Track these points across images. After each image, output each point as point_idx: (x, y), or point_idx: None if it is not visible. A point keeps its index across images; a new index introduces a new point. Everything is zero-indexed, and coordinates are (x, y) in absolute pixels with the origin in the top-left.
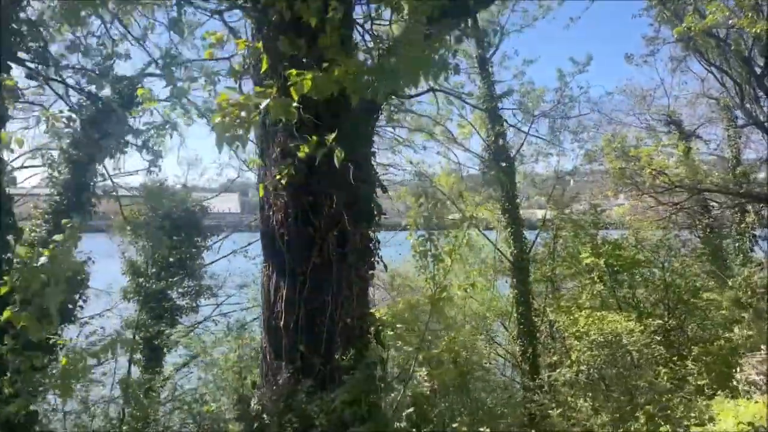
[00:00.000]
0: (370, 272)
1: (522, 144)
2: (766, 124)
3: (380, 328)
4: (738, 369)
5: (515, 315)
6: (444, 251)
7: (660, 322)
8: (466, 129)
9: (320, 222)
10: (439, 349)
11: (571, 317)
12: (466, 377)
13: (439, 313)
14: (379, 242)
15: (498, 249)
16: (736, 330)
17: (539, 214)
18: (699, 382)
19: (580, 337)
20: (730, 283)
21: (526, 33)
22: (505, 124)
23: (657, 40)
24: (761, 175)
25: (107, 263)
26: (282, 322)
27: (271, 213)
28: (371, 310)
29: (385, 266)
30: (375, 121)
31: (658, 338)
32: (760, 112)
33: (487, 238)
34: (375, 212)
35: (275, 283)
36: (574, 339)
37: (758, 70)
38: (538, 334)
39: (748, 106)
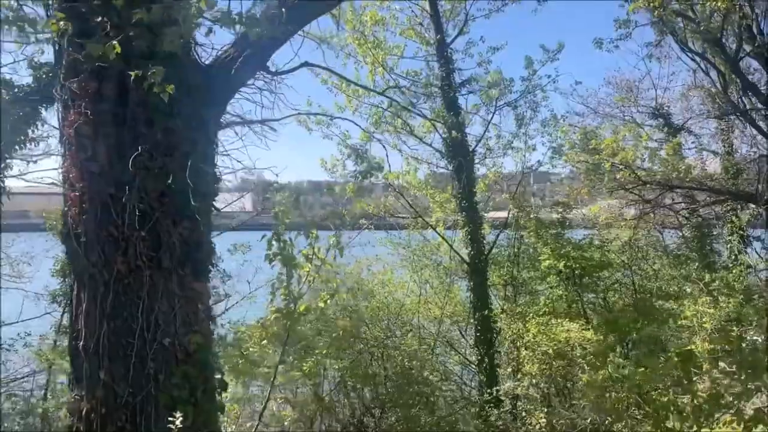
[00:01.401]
0: (204, 283)
1: (482, 136)
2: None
3: (215, 351)
4: None
5: (472, 321)
6: (302, 254)
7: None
8: (427, 123)
9: (124, 219)
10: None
11: (523, 325)
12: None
13: (294, 332)
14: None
15: (454, 249)
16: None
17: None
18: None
19: (530, 347)
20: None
21: (500, 20)
22: (462, 113)
23: (629, 23)
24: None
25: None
26: (82, 343)
27: (66, 208)
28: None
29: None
30: (217, 98)
31: (618, 349)
32: (747, 101)
33: (443, 238)
34: (205, 207)
35: (77, 295)
36: (524, 349)
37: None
38: (497, 342)
39: (732, 94)
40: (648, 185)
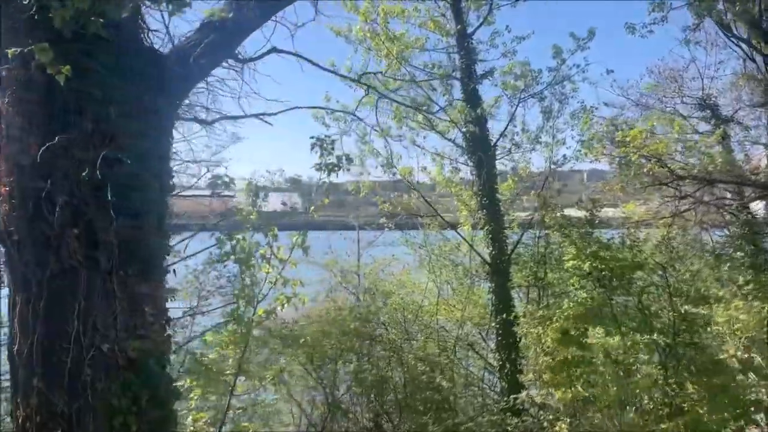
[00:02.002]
0: (155, 284)
1: (504, 130)
2: None
3: (161, 357)
4: None
5: (493, 324)
6: (260, 254)
7: (649, 338)
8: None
9: (55, 216)
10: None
11: (543, 329)
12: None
13: (246, 339)
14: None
15: (474, 249)
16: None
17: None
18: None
19: (550, 353)
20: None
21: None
22: (482, 106)
23: (663, 5)
24: None
25: None
26: (16, 347)
27: None
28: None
29: (174, 273)
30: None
31: (644, 357)
32: None
33: (463, 238)
34: (155, 203)
35: (13, 297)
36: (544, 355)
37: None
38: (520, 347)
39: None
40: (685, 180)
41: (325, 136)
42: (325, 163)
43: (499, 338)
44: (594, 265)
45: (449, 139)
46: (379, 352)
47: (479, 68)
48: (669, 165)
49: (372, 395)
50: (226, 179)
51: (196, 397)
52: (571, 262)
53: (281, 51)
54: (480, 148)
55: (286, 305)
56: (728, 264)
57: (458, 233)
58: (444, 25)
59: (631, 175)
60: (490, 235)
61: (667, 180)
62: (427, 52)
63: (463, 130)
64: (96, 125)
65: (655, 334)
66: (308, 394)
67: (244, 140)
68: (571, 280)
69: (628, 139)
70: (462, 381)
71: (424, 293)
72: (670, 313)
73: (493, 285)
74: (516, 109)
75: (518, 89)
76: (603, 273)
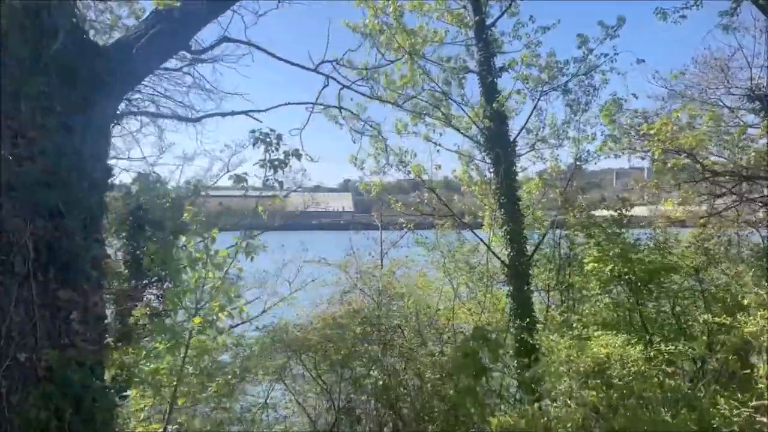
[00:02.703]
0: (82, 290)
1: (524, 125)
2: None
3: (93, 367)
4: None
5: (511, 330)
6: (197, 257)
7: (674, 347)
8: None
9: None
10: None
11: (561, 336)
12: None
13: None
14: (99, 244)
15: (491, 250)
16: None
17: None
18: None
19: (564, 363)
20: None
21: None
22: (499, 99)
23: None
24: None
25: None
26: None
27: None
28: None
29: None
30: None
31: (669, 369)
32: None
33: (479, 239)
34: (81, 203)
35: None
36: (559, 364)
37: None
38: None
39: None
40: (720, 176)
41: (270, 130)
42: (270, 159)
43: (518, 344)
44: (616, 268)
45: (467, 135)
46: (388, 358)
47: (500, 61)
48: (702, 160)
49: (380, 402)
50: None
51: (146, 407)
52: (591, 264)
53: (233, 40)
54: (498, 144)
55: (223, 315)
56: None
57: (474, 233)
58: (463, 17)
59: (662, 171)
60: (509, 236)
61: (701, 176)
62: (443, 45)
63: (480, 126)
64: (4, 120)
65: (681, 344)
66: (316, 401)
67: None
68: (592, 284)
69: (652, 131)
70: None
71: (439, 296)
72: (702, 321)
73: (511, 288)
74: (537, 102)
75: (540, 82)
76: (628, 276)
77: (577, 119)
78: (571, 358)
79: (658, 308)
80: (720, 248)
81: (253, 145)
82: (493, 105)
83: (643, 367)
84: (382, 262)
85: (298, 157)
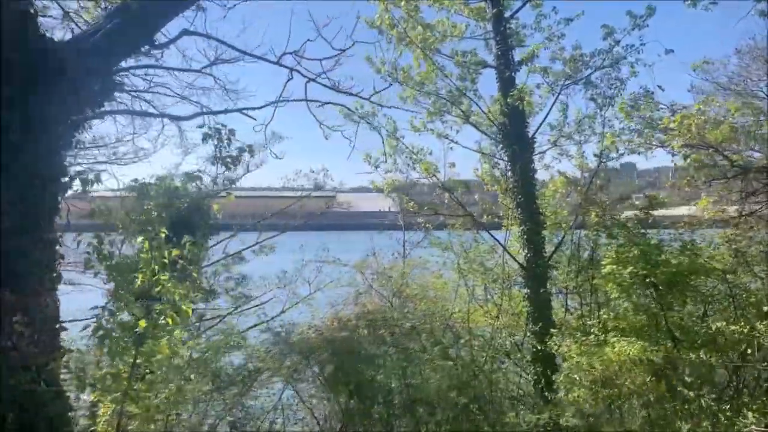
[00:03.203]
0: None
1: (543, 121)
2: None
3: (38, 370)
4: None
5: (528, 335)
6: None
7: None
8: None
9: None
10: None
11: (574, 342)
12: None
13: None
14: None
15: (507, 251)
16: None
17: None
18: None
19: (577, 370)
20: None
21: None
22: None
23: None
24: None
25: None
26: None
27: None
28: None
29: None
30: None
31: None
32: None
33: (495, 239)
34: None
35: None
36: (570, 372)
37: None
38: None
39: None
40: (750, 173)
41: (221, 125)
42: (221, 155)
43: (535, 349)
44: (634, 271)
45: (485, 132)
46: (395, 361)
47: (520, 55)
48: (730, 156)
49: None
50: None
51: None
52: (609, 267)
53: (193, 33)
54: (515, 140)
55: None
56: None
57: (490, 234)
58: (481, 11)
59: (686, 168)
60: (525, 236)
61: (732, 173)
62: (461, 39)
63: (497, 122)
64: None
65: (702, 351)
66: (323, 404)
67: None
68: (609, 286)
69: (672, 125)
70: (490, 396)
71: (454, 298)
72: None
73: (528, 291)
74: (558, 96)
75: (563, 75)
76: (649, 279)
77: (602, 114)
78: (582, 365)
79: (685, 313)
80: (752, 249)
81: (203, 141)
82: (508, 99)
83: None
84: (404, 262)
85: (251, 153)
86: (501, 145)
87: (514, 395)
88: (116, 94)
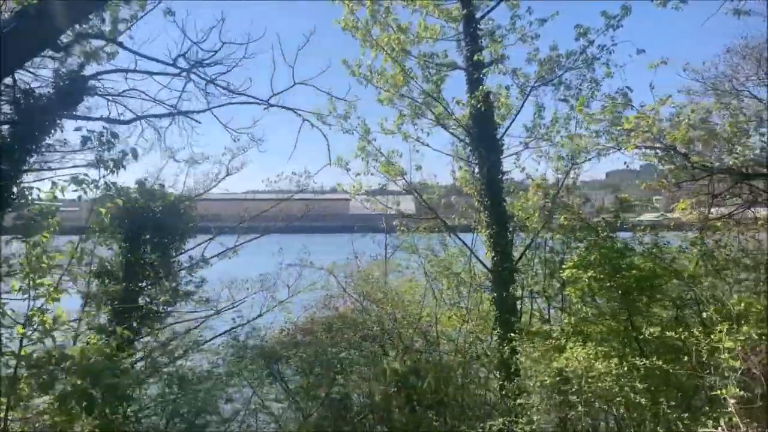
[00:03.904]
0: None
1: (511, 122)
2: None
3: None
4: None
5: (495, 340)
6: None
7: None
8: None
9: None
10: None
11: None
12: None
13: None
14: None
15: (474, 255)
16: None
17: None
18: None
19: (531, 377)
20: None
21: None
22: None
23: None
24: None
25: None
26: None
27: None
28: None
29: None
30: None
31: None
32: None
33: (462, 241)
34: None
35: None
36: (527, 378)
37: None
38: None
39: None
40: (714, 174)
41: (104, 128)
42: (103, 159)
43: (499, 354)
44: (593, 275)
45: (455, 134)
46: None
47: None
48: (691, 157)
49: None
50: None
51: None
52: (569, 270)
53: (91, 36)
54: (483, 142)
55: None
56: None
57: (458, 237)
58: (450, 12)
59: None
60: (492, 239)
61: (695, 175)
62: (429, 41)
63: (464, 124)
64: None
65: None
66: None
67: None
68: (568, 290)
69: (627, 126)
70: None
71: (422, 302)
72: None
73: (494, 296)
74: (526, 98)
75: (537, 77)
76: (611, 284)
77: (576, 116)
78: (537, 371)
79: (656, 319)
80: (720, 253)
81: (83, 144)
82: (471, 101)
83: (610, 383)
84: (377, 266)
85: (135, 156)
86: (470, 148)
87: (483, 401)
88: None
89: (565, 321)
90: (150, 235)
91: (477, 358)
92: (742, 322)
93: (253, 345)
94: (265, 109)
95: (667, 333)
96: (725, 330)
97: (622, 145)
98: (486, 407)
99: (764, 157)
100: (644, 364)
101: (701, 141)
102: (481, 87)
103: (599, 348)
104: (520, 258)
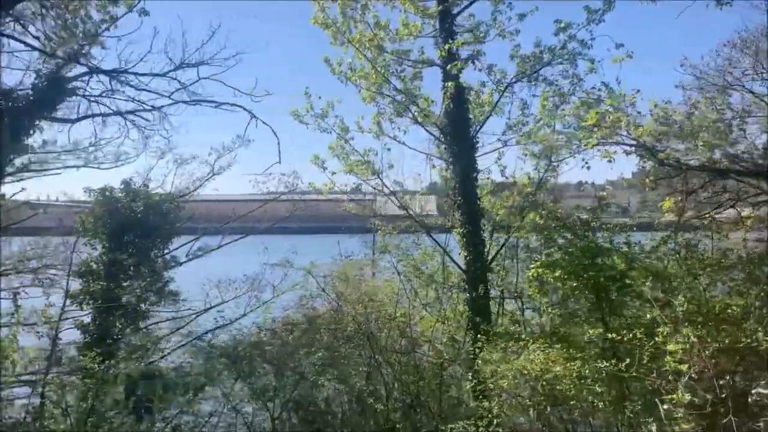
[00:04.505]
0: None
1: (486, 119)
2: None
3: None
4: None
5: (468, 343)
6: None
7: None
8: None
9: None
10: None
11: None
12: None
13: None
14: None
15: (448, 254)
16: None
17: None
18: None
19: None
20: None
21: None
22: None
23: None
24: None
25: None
26: None
27: None
28: None
29: None
30: None
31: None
32: None
33: (436, 241)
34: None
35: None
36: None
37: None
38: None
39: None
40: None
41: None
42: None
43: (471, 356)
44: (557, 276)
45: (431, 133)
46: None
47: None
48: (658, 154)
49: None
50: None
51: None
52: (534, 271)
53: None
54: (456, 140)
55: None
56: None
57: (431, 237)
58: (427, 9)
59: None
60: (464, 239)
61: (675, 172)
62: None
63: (437, 122)
64: None
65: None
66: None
67: None
68: (530, 290)
69: (589, 122)
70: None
71: (396, 302)
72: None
73: (467, 296)
74: (502, 95)
75: (519, 73)
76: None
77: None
78: (496, 373)
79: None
80: (689, 253)
81: None
82: (443, 99)
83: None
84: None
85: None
86: (445, 146)
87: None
88: None
89: (533, 321)
90: (133, 235)
91: (451, 360)
92: (686, 324)
93: (219, 345)
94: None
95: (610, 336)
96: (665, 332)
97: (584, 141)
98: (460, 409)
99: (749, 153)
100: (606, 367)
101: (671, 137)
102: (449, 83)
103: (563, 351)
104: (494, 258)
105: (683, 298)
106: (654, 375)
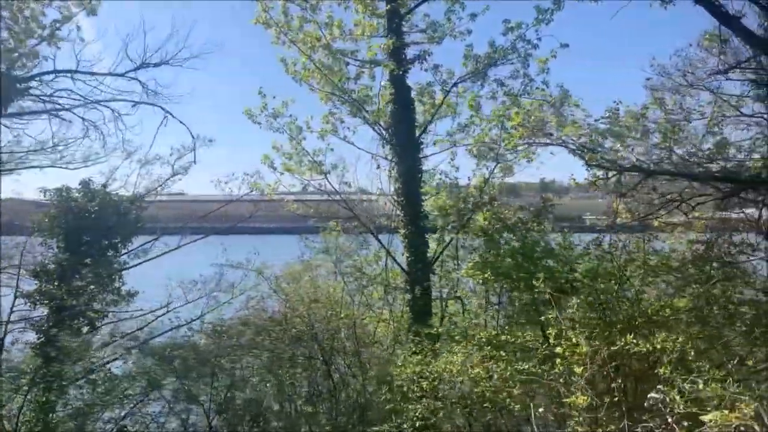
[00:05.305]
0: None
1: (431, 120)
2: None
3: None
4: None
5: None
6: None
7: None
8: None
9: None
10: None
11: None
12: None
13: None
14: None
15: (391, 255)
16: None
17: None
18: None
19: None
20: None
21: None
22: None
23: None
24: None
25: None
26: None
27: None
28: None
29: None
30: None
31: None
32: None
33: (380, 242)
34: None
35: None
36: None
37: None
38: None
39: None
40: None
41: None
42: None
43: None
44: (490, 278)
45: (379, 133)
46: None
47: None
48: (587, 155)
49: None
50: None
51: None
52: (464, 272)
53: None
54: (400, 141)
55: None
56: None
57: (376, 238)
58: (375, 8)
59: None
60: (406, 240)
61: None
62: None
63: (382, 121)
64: None
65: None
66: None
67: None
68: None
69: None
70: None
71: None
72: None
73: (409, 297)
74: (446, 95)
75: (471, 73)
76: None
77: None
78: (414, 376)
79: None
80: (615, 256)
81: None
82: (384, 99)
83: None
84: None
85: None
86: (389, 146)
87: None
88: None
89: (462, 322)
90: (90, 235)
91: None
92: (577, 327)
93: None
94: None
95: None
96: (554, 335)
97: (505, 141)
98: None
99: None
100: (525, 369)
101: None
102: (385, 84)
103: (492, 351)
104: (436, 259)
105: (577, 300)
106: (551, 378)
